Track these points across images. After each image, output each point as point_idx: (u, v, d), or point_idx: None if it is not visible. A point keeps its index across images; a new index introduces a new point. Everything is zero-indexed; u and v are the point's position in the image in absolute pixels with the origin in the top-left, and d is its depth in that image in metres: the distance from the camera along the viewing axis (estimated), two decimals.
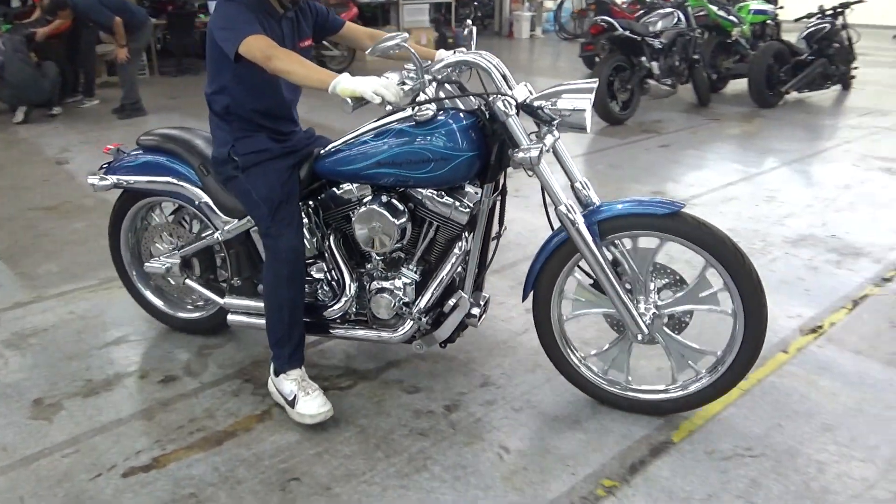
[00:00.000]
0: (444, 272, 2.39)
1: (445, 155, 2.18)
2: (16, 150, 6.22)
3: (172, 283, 2.89)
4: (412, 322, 2.44)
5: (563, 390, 2.61)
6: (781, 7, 9.36)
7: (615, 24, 6.51)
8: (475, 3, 14.25)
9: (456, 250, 2.38)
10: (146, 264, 2.88)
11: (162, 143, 2.73)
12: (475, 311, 2.44)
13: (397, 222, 2.32)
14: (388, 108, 2.07)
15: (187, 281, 2.84)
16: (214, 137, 2.49)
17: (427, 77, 2.17)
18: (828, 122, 7.12)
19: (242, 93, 2.35)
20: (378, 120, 2.35)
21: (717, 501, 2.09)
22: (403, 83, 2.12)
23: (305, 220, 2.51)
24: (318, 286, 2.61)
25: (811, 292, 3.39)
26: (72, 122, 7.25)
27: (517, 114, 2.17)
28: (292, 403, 2.39)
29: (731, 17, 7.84)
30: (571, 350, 2.50)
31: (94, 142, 6.35)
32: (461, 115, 2.23)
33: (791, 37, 8.10)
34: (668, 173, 5.45)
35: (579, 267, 2.38)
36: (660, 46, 6.73)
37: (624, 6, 8.50)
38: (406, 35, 2.07)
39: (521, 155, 2.13)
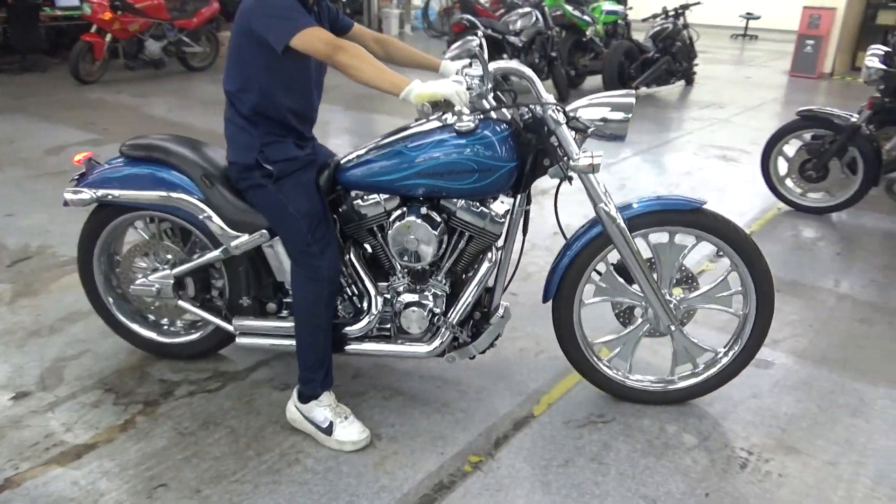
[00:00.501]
0: (477, 283, 2.36)
1: (490, 166, 2.15)
2: None
3: (160, 305, 2.64)
4: (448, 334, 2.38)
5: (431, 376, 2.73)
6: (631, 8, 10.03)
7: (476, 22, 6.76)
8: (343, 0, 14.15)
9: (487, 262, 2.36)
10: (132, 287, 2.61)
11: (151, 152, 2.48)
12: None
13: (437, 234, 2.26)
14: (454, 113, 2.03)
15: (180, 302, 2.61)
16: (234, 141, 2.28)
17: (490, 84, 2.15)
18: (674, 115, 7.73)
19: (276, 88, 2.18)
20: (405, 129, 2.28)
21: (573, 465, 2.28)
22: (470, 88, 2.08)
23: None
24: (336, 302, 2.46)
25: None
26: None
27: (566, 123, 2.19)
28: (328, 431, 2.29)
29: (586, 17, 8.32)
30: (594, 352, 2.55)
31: None
32: (498, 124, 2.21)
33: (641, 36, 8.71)
34: None
35: (596, 271, 2.46)
36: (520, 45, 7.04)
37: (487, 5, 8.80)
38: (478, 41, 2.03)
39: (583, 163, 2.16)
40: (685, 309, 2.52)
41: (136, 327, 2.76)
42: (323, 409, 2.32)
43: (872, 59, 4.18)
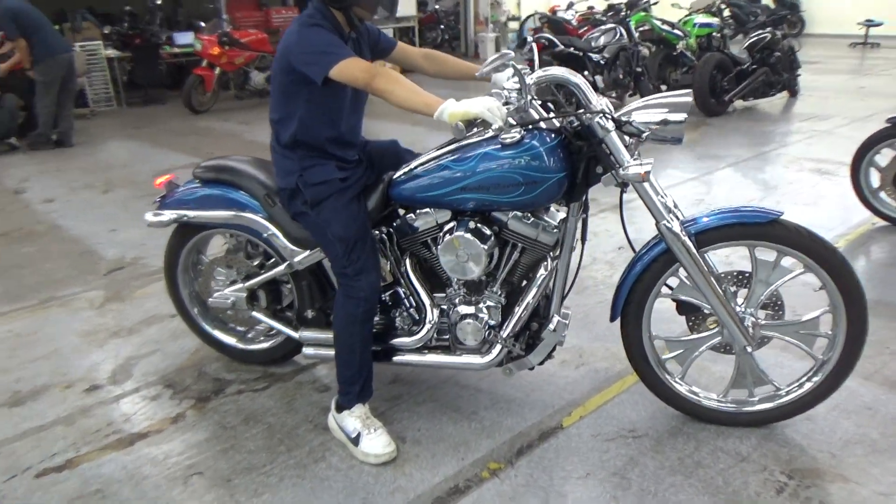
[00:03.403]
0: (532, 294, 2.33)
1: (536, 178, 2.12)
2: None
3: (238, 315, 2.82)
4: (502, 347, 2.38)
5: (466, 385, 2.76)
6: (728, 18, 9.67)
7: (555, 40, 6.77)
8: (441, 27, 14.55)
9: (542, 271, 2.32)
10: (210, 299, 2.80)
11: (220, 174, 2.66)
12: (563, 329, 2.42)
13: (486, 248, 2.25)
14: (493, 129, 2.07)
15: (254, 313, 2.76)
16: (279, 168, 2.38)
17: (529, 97, 2.13)
18: (770, 128, 7.36)
19: (315, 119, 2.26)
20: (451, 143, 2.28)
21: (593, 478, 2.24)
22: (508, 103, 2.09)
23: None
24: (395, 314, 2.53)
25: None
26: (32, 151, 7.38)
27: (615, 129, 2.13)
28: (356, 441, 2.35)
29: (676, 31, 8.11)
30: (665, 368, 2.47)
31: (52, 171, 6.51)
32: (547, 134, 2.16)
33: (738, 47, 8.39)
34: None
35: (667, 286, 2.36)
36: (602, 61, 6.98)
37: (574, 24, 8.78)
38: (512, 54, 2.05)
39: (632, 171, 2.09)
40: (760, 335, 2.34)
41: (218, 335, 2.94)
42: (354, 419, 2.38)
43: None
